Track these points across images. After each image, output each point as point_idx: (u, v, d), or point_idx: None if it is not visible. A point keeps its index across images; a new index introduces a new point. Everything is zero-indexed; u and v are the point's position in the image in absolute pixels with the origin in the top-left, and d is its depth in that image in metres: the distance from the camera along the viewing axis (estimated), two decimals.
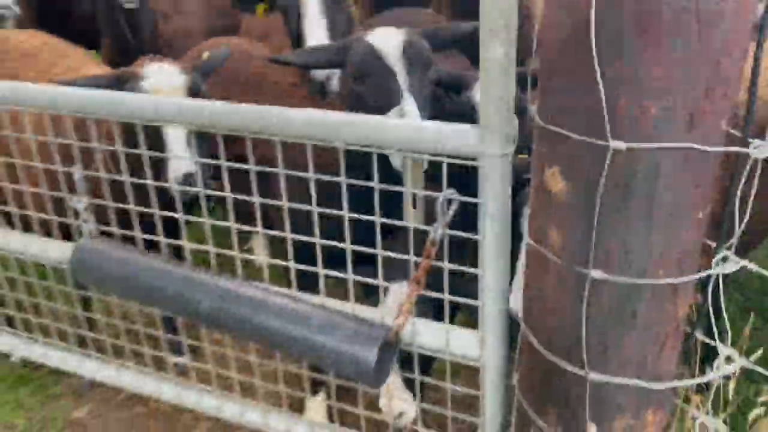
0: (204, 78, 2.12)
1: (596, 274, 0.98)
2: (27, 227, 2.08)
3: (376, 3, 3.41)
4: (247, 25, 3.22)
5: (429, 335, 1.50)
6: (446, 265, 1.36)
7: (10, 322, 2.35)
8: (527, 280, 1.18)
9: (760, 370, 1.05)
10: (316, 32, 2.06)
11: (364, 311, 1.53)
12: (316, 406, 2.38)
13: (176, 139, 1.91)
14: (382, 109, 1.66)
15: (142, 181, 1.71)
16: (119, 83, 1.98)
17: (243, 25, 3.27)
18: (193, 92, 2.02)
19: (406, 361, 1.62)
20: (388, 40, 1.78)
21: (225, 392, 1.97)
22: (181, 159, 1.90)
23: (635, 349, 1.05)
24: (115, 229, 1.86)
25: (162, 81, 2.00)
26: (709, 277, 1.02)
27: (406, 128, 1.34)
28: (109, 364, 2.14)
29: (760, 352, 1.28)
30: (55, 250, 1.98)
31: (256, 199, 1.54)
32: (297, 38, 2.16)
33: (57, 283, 2.10)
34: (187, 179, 1.87)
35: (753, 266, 1.00)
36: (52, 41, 2.53)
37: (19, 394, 2.67)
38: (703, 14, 0.82)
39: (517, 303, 1.29)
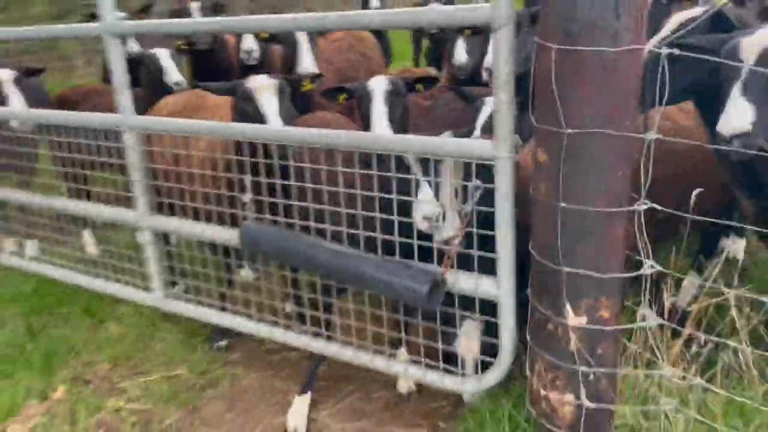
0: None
1: (563, 204, 1.79)
2: (195, 217, 3.07)
3: None
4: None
5: (463, 281, 2.30)
6: (475, 230, 2.18)
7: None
8: (533, 220, 1.98)
9: (665, 270, 1.81)
10: (380, 121, 2.96)
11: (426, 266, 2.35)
12: (401, 355, 3.15)
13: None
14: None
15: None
16: (234, 88, 2.93)
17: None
18: (281, 90, 2.86)
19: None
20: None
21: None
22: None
23: (590, 253, 1.83)
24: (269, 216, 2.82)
25: (259, 80, 2.91)
26: (635, 212, 1.80)
27: (453, 143, 2.21)
28: (254, 321, 3.03)
29: None
30: (225, 233, 2.93)
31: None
32: (366, 121, 3.06)
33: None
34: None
35: (655, 205, 1.77)
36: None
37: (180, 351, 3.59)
38: (608, 64, 1.66)
39: None
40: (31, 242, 4.18)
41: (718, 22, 2.52)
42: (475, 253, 2.19)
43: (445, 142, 2.23)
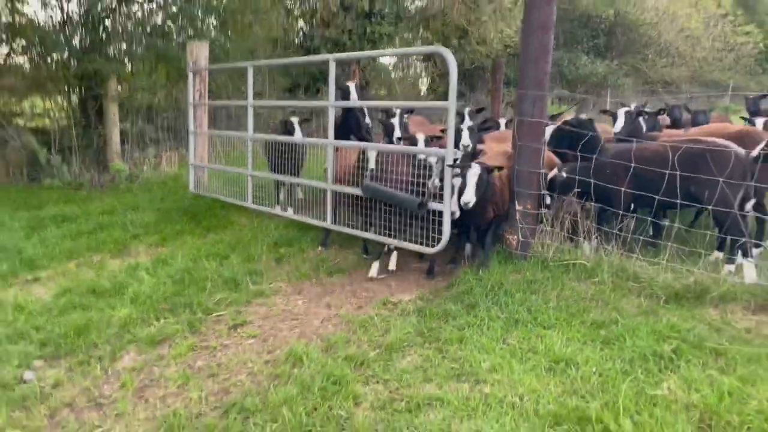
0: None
1: (517, 167, 5.45)
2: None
3: None
4: None
5: (434, 205, 5.86)
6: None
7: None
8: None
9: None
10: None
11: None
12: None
13: None
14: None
15: None
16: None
17: None
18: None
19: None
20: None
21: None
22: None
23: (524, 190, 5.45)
24: None
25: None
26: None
27: (435, 151, 5.92)
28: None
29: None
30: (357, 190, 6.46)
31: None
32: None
33: None
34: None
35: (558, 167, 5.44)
36: None
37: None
38: (533, 124, 5.40)
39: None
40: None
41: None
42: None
43: (432, 150, 5.94)
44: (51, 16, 11.12)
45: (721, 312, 4.39)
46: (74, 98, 11.34)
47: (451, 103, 5.14)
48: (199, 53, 8.86)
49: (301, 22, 16.35)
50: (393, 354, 3.95)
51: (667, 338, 3.95)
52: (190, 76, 8.75)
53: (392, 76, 20.44)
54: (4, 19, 10.97)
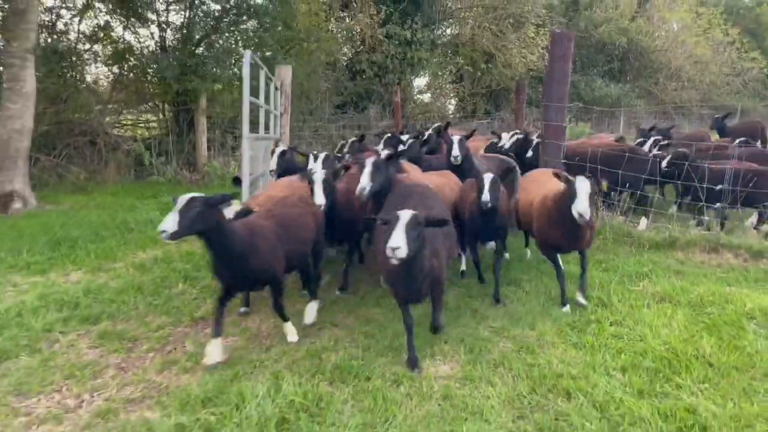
0: None
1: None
2: None
3: None
4: None
5: None
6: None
7: None
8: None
9: None
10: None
11: None
12: None
13: None
14: None
15: None
16: None
17: None
18: None
19: None
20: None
21: None
22: None
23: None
24: None
25: None
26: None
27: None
28: None
29: None
30: None
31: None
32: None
33: None
34: None
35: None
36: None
37: None
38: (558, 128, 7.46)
39: None
40: None
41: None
42: None
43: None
44: (154, 42, 13.55)
45: (685, 253, 6.40)
46: (171, 112, 13.67)
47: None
48: (285, 74, 11.08)
49: (345, 48, 18.64)
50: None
51: (645, 265, 5.98)
52: (278, 93, 10.97)
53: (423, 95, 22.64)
54: (110, 48, 13.43)
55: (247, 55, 5.99)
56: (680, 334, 4.34)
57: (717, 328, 4.44)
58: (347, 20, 17.38)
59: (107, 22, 13.46)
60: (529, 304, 5.09)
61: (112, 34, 13.56)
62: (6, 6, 10.66)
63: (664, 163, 7.42)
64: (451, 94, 22.14)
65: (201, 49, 13.35)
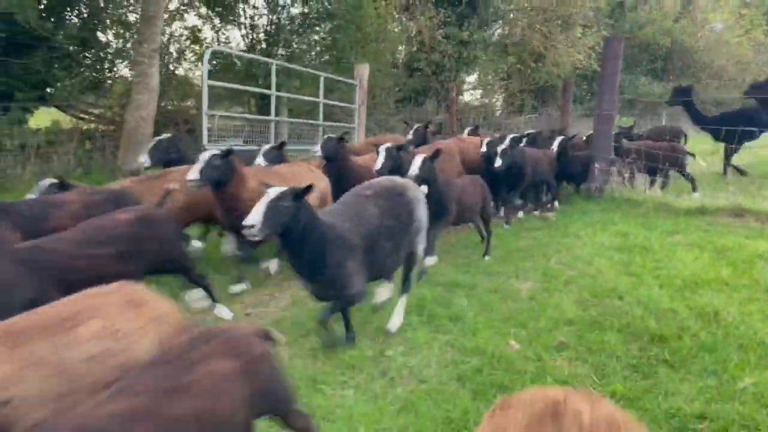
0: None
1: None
2: None
3: None
4: None
5: None
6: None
7: None
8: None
9: None
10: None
11: None
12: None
13: None
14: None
15: None
16: None
17: None
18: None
19: None
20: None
21: None
22: None
23: None
24: None
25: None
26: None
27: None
28: None
29: None
30: None
31: None
32: None
33: None
34: None
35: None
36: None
37: None
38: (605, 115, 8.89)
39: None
40: None
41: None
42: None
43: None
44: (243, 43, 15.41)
45: (713, 217, 7.83)
46: (254, 106, 15.54)
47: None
48: (363, 71, 12.73)
49: (405, 47, 20.23)
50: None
51: (680, 225, 7.43)
52: (357, 88, 12.64)
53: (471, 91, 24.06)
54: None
55: (207, 52, 8.20)
56: (704, 267, 5.79)
57: (733, 263, 5.87)
58: (407, 22, 19.00)
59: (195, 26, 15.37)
60: (586, 248, 6.62)
61: (198, 34, 15.38)
62: (138, 13, 12.62)
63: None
64: (500, 91, 23.53)
65: (281, 49, 15.15)
